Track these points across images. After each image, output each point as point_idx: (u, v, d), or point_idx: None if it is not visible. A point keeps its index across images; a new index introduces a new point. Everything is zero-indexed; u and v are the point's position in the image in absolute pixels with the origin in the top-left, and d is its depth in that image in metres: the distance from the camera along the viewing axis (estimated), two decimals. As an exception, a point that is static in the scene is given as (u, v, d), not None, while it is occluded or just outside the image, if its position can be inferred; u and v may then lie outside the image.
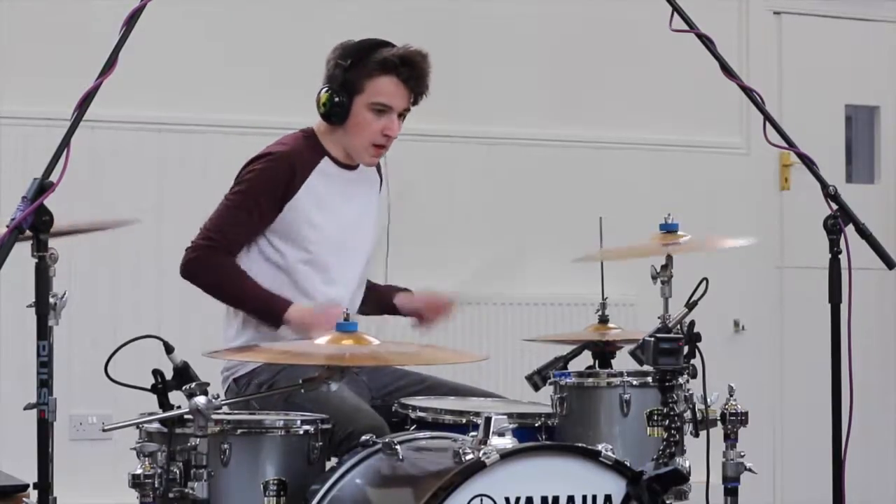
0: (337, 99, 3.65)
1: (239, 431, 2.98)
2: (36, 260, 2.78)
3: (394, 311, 3.88)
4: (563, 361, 3.70)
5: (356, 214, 3.73)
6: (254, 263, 3.62)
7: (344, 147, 3.71)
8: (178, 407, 2.94)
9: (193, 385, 2.89)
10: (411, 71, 3.66)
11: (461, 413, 3.34)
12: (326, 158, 3.70)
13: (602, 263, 4.05)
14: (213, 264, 3.59)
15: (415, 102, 3.73)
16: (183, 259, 3.61)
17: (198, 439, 2.87)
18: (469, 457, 2.77)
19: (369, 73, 3.64)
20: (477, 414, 3.08)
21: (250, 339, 3.62)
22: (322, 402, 3.17)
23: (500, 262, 3.78)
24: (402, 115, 3.70)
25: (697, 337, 3.29)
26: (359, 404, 3.40)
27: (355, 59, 3.66)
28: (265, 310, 3.56)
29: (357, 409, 3.37)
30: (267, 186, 3.61)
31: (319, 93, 3.68)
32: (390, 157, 3.92)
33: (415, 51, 3.68)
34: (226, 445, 2.94)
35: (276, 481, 2.98)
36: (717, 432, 3.49)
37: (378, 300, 3.87)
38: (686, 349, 3.19)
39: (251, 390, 3.56)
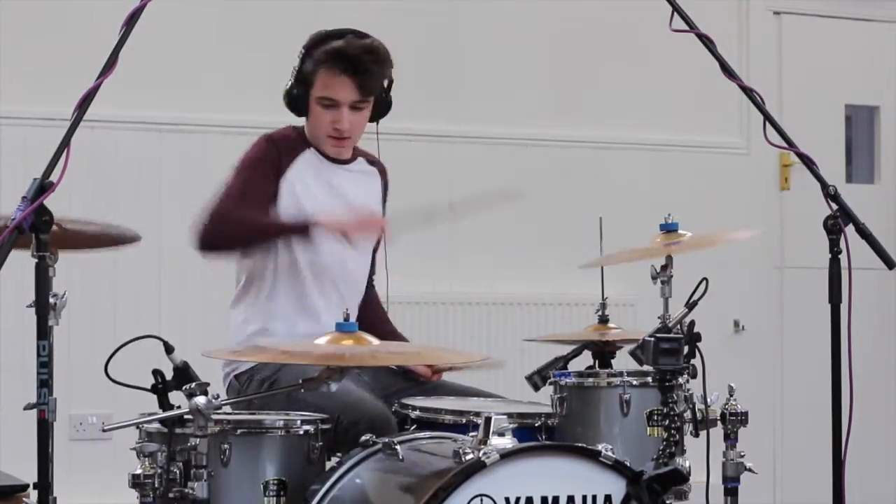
0: (295, 91, 3.68)
1: (239, 431, 2.98)
2: (36, 260, 2.78)
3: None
4: (563, 361, 3.70)
5: (349, 205, 3.71)
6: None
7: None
8: (178, 407, 2.94)
9: (193, 385, 2.89)
10: (349, 64, 3.61)
11: (461, 413, 3.34)
12: (311, 149, 3.71)
13: (602, 266, 4.05)
14: (223, 221, 3.55)
15: (365, 95, 3.66)
16: (194, 237, 3.57)
17: (198, 439, 2.87)
18: (469, 457, 2.77)
19: (315, 67, 3.65)
20: (477, 414, 3.08)
21: (261, 326, 3.63)
22: (326, 394, 3.16)
23: (436, 209, 3.74)
24: (356, 108, 3.66)
25: (697, 337, 3.29)
26: (363, 396, 3.40)
27: (307, 52, 3.67)
28: (293, 234, 3.57)
29: (362, 400, 3.36)
30: (260, 158, 3.64)
31: (284, 88, 3.70)
32: (390, 155, 3.93)
33: (358, 44, 3.63)
34: (226, 445, 2.94)
35: (276, 481, 2.98)
36: (717, 432, 3.49)
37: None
38: (686, 349, 3.18)
39: (253, 386, 3.57)
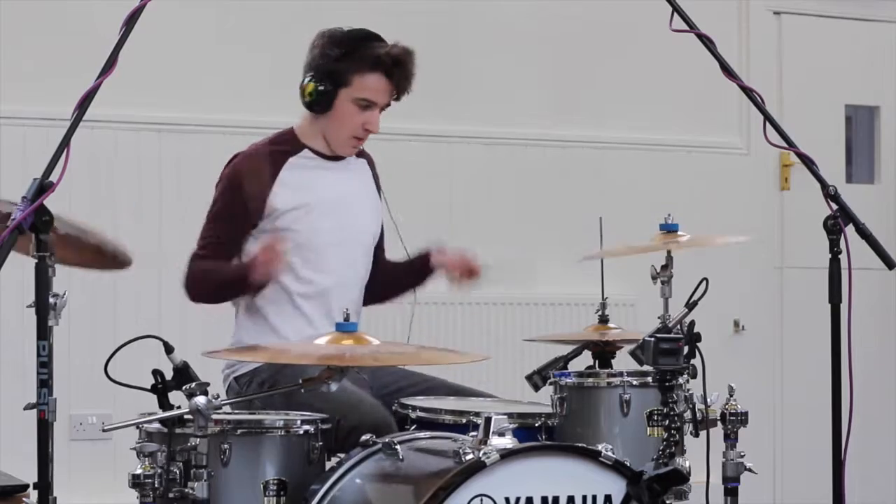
0: (322, 88, 3.66)
1: (239, 431, 2.98)
2: (36, 260, 2.78)
3: (427, 268, 3.86)
4: (563, 361, 3.70)
5: (343, 201, 3.72)
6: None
7: (324, 136, 3.72)
8: (178, 407, 2.94)
9: (193, 385, 2.89)
10: (402, 71, 3.66)
11: (461, 413, 3.33)
12: (306, 150, 3.72)
13: (602, 263, 4.05)
14: (192, 275, 3.66)
15: (397, 99, 3.73)
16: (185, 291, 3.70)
17: (198, 439, 2.87)
18: (469, 457, 2.77)
19: (359, 68, 3.65)
20: (477, 414, 3.08)
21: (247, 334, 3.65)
22: (326, 396, 3.16)
23: (517, 263, 3.80)
24: (383, 109, 3.72)
25: (697, 337, 3.29)
26: (363, 397, 3.40)
27: (346, 51, 3.66)
28: (242, 285, 3.60)
29: (361, 401, 3.36)
30: (232, 196, 3.66)
31: (304, 82, 3.68)
32: (390, 155, 3.93)
33: (405, 50, 3.69)
34: (226, 445, 2.94)
35: (276, 481, 2.98)
36: (717, 432, 3.49)
37: (410, 268, 3.89)
38: (686, 349, 3.18)
39: (252, 388, 3.57)
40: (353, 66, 3.65)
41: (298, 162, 3.71)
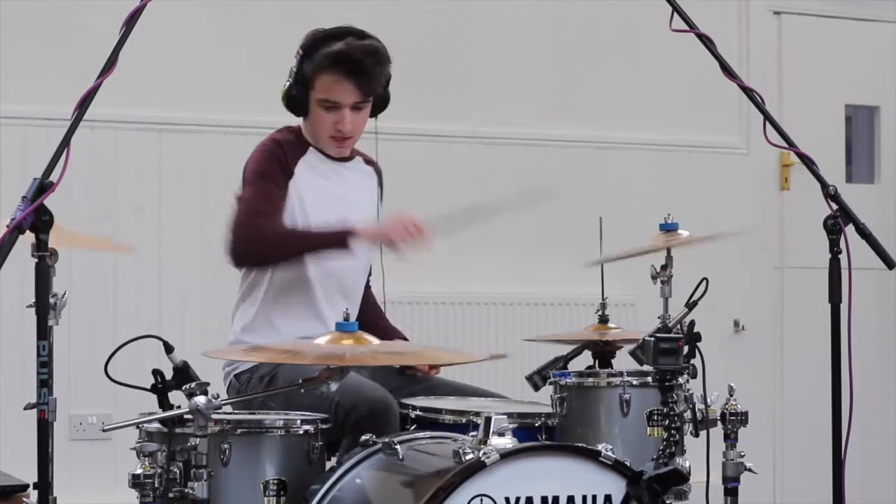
0: (294, 92, 3.65)
1: (239, 431, 2.98)
2: (36, 260, 2.78)
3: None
4: (563, 361, 3.70)
5: (350, 203, 3.71)
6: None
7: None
8: (178, 407, 2.94)
9: (193, 385, 2.89)
10: (353, 66, 3.59)
11: (461, 413, 3.34)
12: (311, 149, 3.71)
13: (602, 264, 4.05)
14: (257, 237, 3.51)
15: (366, 95, 3.64)
16: (229, 253, 3.54)
17: (198, 439, 2.87)
18: (469, 457, 2.77)
19: (315, 69, 3.62)
20: (477, 414, 3.08)
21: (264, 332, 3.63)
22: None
23: (478, 208, 3.72)
24: (357, 108, 3.65)
25: (697, 337, 3.29)
26: (362, 380, 3.38)
27: (307, 52, 3.64)
28: (331, 247, 3.51)
29: (361, 383, 3.35)
30: (271, 164, 3.61)
31: (283, 87, 3.68)
32: (390, 155, 3.92)
33: (363, 47, 3.61)
34: (226, 445, 2.94)
35: (276, 481, 2.98)
36: (717, 432, 3.49)
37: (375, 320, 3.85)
38: (686, 349, 3.18)
39: (253, 384, 3.57)
40: (313, 67, 3.62)
41: (308, 158, 3.69)
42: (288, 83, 3.67)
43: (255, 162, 3.64)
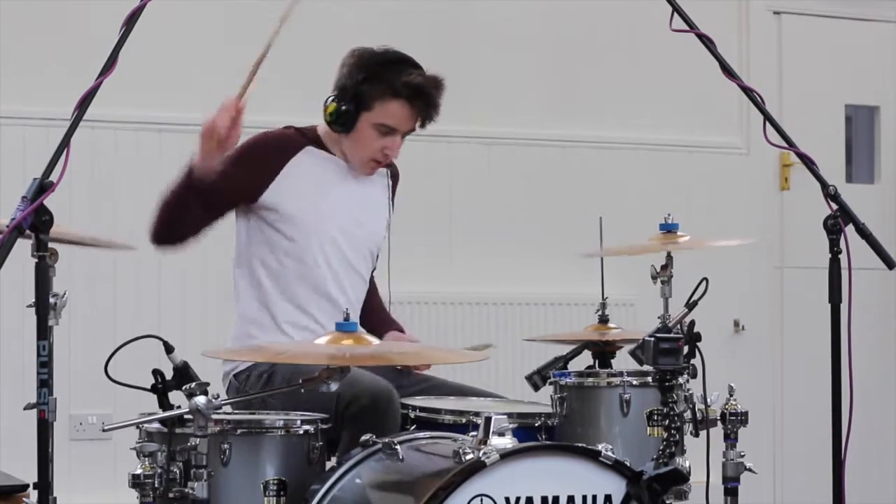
0: (344, 109, 3.64)
1: (239, 431, 2.98)
2: (36, 260, 2.78)
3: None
4: (563, 361, 3.70)
5: (354, 202, 3.72)
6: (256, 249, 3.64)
7: (344, 153, 3.71)
8: (178, 407, 2.94)
9: (193, 385, 2.89)
10: (425, 100, 3.63)
11: (461, 413, 3.34)
12: (311, 147, 3.70)
13: (602, 263, 4.05)
14: (158, 213, 3.58)
15: (422, 125, 3.70)
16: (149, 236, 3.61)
17: (198, 439, 2.87)
18: (469, 457, 2.77)
19: (382, 94, 3.62)
20: (477, 414, 3.08)
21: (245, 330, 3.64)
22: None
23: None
24: (405, 135, 3.69)
25: (697, 337, 3.29)
26: (363, 372, 3.39)
27: (370, 75, 3.63)
28: (186, 178, 3.53)
29: (362, 374, 3.34)
30: (248, 155, 3.62)
31: (328, 100, 3.67)
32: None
33: (432, 78, 3.66)
34: (226, 445, 2.94)
35: (276, 481, 2.98)
36: (717, 432, 3.49)
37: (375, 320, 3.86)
38: (686, 349, 3.18)
39: (252, 382, 3.57)
40: (376, 90, 3.62)
41: (317, 152, 3.69)
42: (334, 98, 3.65)
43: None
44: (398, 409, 3.36)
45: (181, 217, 3.56)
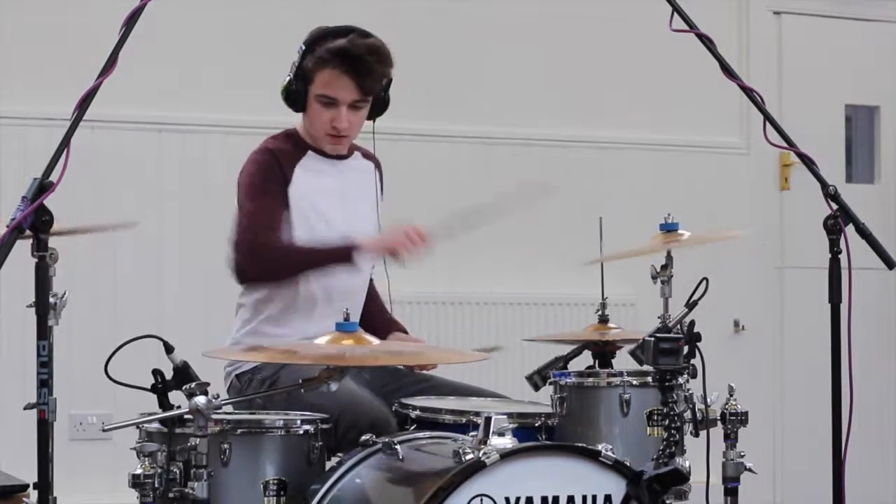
0: (294, 87, 3.65)
1: (239, 431, 2.97)
2: (36, 260, 2.78)
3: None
4: (563, 361, 3.70)
5: (351, 201, 3.72)
6: None
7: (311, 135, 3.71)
8: (178, 407, 2.94)
9: (193, 385, 2.89)
10: (352, 64, 3.58)
11: (461, 413, 3.33)
12: (310, 153, 3.70)
13: (602, 263, 4.05)
14: (261, 255, 3.51)
15: (372, 94, 3.64)
16: (233, 271, 3.53)
17: (198, 439, 2.87)
18: (469, 457, 2.77)
19: (316, 65, 3.61)
20: (477, 414, 3.08)
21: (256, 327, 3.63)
22: (326, 394, 3.16)
23: (479, 210, 3.72)
24: (355, 107, 3.64)
25: (697, 337, 3.29)
26: (363, 396, 3.39)
27: (308, 48, 3.64)
28: (336, 262, 3.51)
29: (362, 400, 3.35)
30: (265, 175, 3.60)
31: (283, 80, 3.68)
32: (391, 155, 3.92)
33: (362, 44, 3.60)
34: (226, 445, 2.94)
35: (276, 481, 2.97)
36: (717, 432, 3.49)
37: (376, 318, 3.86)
38: (686, 349, 3.18)
39: (254, 386, 3.57)
40: (314, 62, 3.60)
41: (305, 162, 3.69)
42: (288, 77, 3.67)
43: (250, 175, 3.62)
44: (395, 432, 3.35)
45: (295, 274, 3.57)
